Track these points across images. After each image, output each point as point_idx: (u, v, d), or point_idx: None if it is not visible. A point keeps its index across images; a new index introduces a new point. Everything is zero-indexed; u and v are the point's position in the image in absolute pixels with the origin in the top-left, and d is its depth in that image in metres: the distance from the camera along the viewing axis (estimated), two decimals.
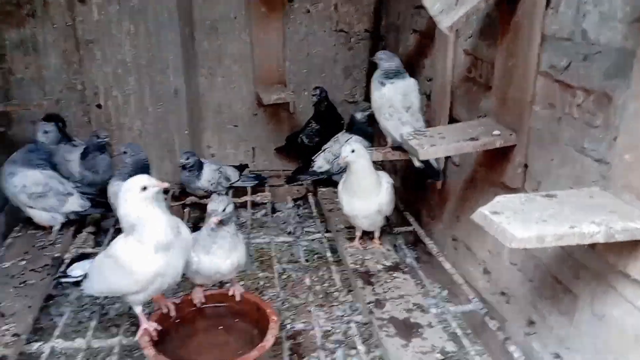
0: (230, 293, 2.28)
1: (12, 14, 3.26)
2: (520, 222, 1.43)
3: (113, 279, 2.03)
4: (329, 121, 3.74)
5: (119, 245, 2.03)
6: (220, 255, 2.15)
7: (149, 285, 1.99)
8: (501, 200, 1.58)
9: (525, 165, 2.14)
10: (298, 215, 3.82)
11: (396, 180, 3.23)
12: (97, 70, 3.46)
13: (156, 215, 1.95)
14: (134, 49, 3.45)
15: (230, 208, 2.10)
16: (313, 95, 3.75)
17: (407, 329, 2.22)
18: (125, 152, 2.80)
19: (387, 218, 2.92)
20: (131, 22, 3.39)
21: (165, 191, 3.06)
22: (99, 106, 3.56)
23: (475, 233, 2.60)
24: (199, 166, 3.38)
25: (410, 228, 3.24)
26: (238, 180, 3.65)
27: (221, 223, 2.09)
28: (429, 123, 2.92)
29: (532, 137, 2.08)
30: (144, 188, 1.91)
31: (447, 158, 2.89)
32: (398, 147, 2.85)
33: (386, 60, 2.84)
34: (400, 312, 2.33)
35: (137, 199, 1.91)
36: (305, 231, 3.49)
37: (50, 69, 3.42)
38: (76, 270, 2.25)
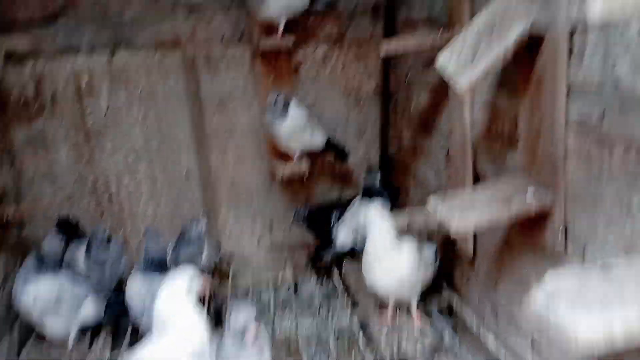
0: None
1: (20, 115, 3.25)
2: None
3: None
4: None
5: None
6: None
7: None
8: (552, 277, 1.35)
9: (566, 228, 1.94)
10: (322, 293, 3.61)
11: None
12: (108, 160, 3.41)
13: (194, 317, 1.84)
14: (144, 134, 3.41)
15: (255, 312, 1.92)
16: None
17: None
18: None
19: None
20: (140, 108, 3.37)
21: None
22: (110, 197, 3.49)
23: (518, 300, 2.37)
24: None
25: (444, 295, 3.01)
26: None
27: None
28: (451, 180, 2.75)
29: (570, 196, 1.89)
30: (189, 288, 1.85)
31: None
32: None
33: None
34: None
35: (179, 297, 1.83)
36: (333, 310, 3.26)
37: (61, 164, 3.38)
38: None
